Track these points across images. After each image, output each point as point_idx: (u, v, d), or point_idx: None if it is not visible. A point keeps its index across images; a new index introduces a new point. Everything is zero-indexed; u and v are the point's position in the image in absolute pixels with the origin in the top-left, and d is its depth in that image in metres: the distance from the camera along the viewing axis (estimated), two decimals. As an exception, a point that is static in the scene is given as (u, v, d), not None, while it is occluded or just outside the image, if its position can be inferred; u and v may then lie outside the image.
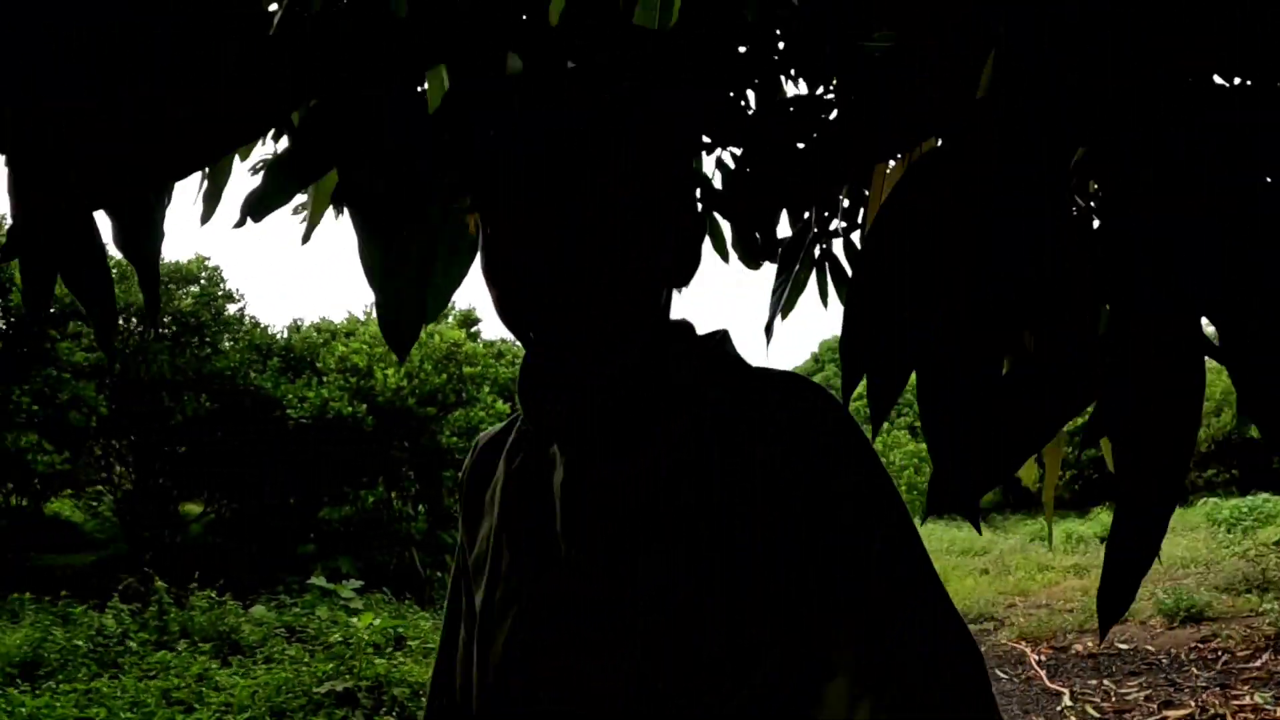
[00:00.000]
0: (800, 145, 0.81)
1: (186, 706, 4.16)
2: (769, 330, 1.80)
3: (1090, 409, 0.61)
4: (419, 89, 1.08)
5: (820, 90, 1.33)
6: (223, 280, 9.97)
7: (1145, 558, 0.58)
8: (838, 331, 0.75)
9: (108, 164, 0.70)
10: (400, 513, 8.42)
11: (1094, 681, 5.16)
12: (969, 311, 0.60)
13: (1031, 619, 6.72)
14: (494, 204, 0.74)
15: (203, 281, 9.77)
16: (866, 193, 1.58)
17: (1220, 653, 5.43)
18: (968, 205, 0.62)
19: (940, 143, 0.73)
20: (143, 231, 0.91)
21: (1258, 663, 5.17)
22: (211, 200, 1.30)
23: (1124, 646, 5.77)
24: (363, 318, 10.23)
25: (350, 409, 8.29)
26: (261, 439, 8.67)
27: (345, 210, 0.98)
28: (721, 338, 0.82)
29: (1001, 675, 5.44)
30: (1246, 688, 4.75)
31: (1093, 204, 1.15)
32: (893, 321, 0.67)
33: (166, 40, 0.71)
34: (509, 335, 1.36)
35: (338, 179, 0.96)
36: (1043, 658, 5.79)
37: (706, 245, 0.90)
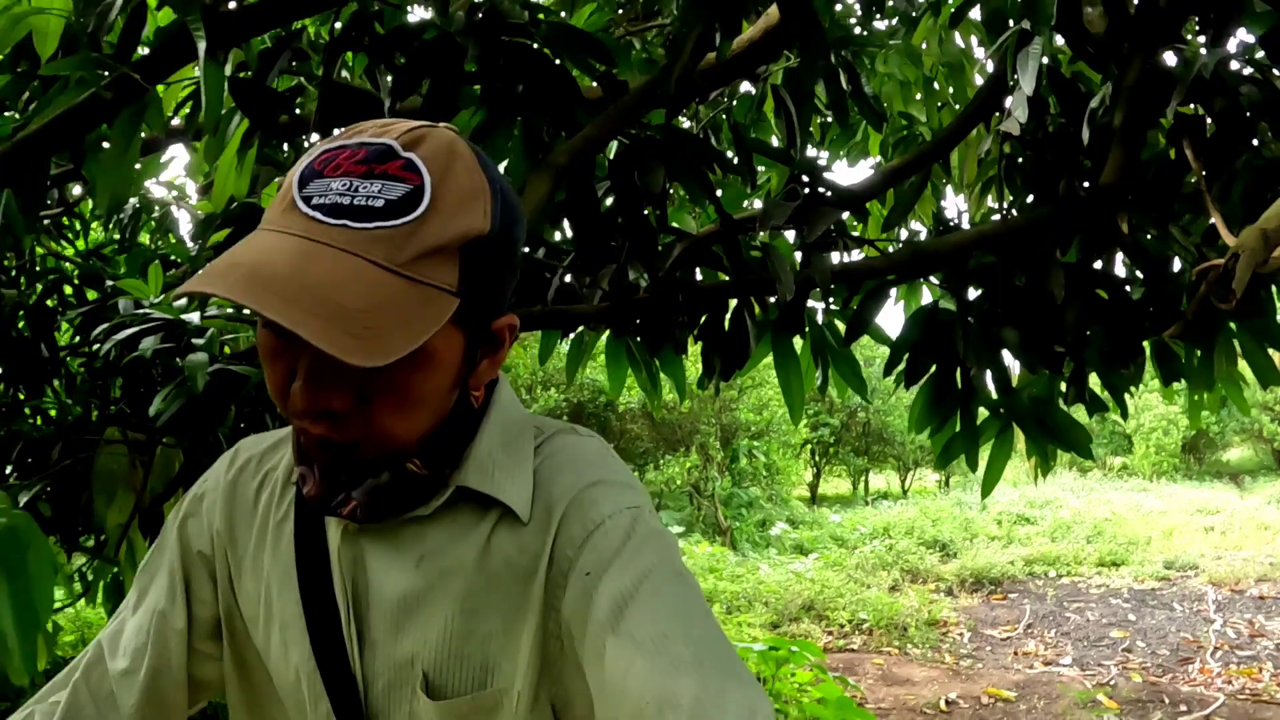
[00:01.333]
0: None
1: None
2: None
3: None
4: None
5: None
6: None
7: None
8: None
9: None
10: (707, 475, 11.03)
11: (1249, 616, 6.73)
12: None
13: (1226, 567, 8.17)
14: None
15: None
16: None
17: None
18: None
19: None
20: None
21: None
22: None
23: (1294, 594, 7.21)
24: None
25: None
26: (602, 428, 11.64)
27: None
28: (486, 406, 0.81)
29: (1177, 607, 7.10)
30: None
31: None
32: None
33: None
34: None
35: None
36: (1220, 596, 7.35)
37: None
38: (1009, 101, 2.16)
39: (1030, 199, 2.30)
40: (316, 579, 0.81)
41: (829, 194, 2.16)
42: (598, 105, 1.90)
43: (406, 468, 0.75)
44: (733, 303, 2.21)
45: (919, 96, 3.01)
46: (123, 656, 0.85)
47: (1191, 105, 2.00)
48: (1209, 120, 1.96)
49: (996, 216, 2.66)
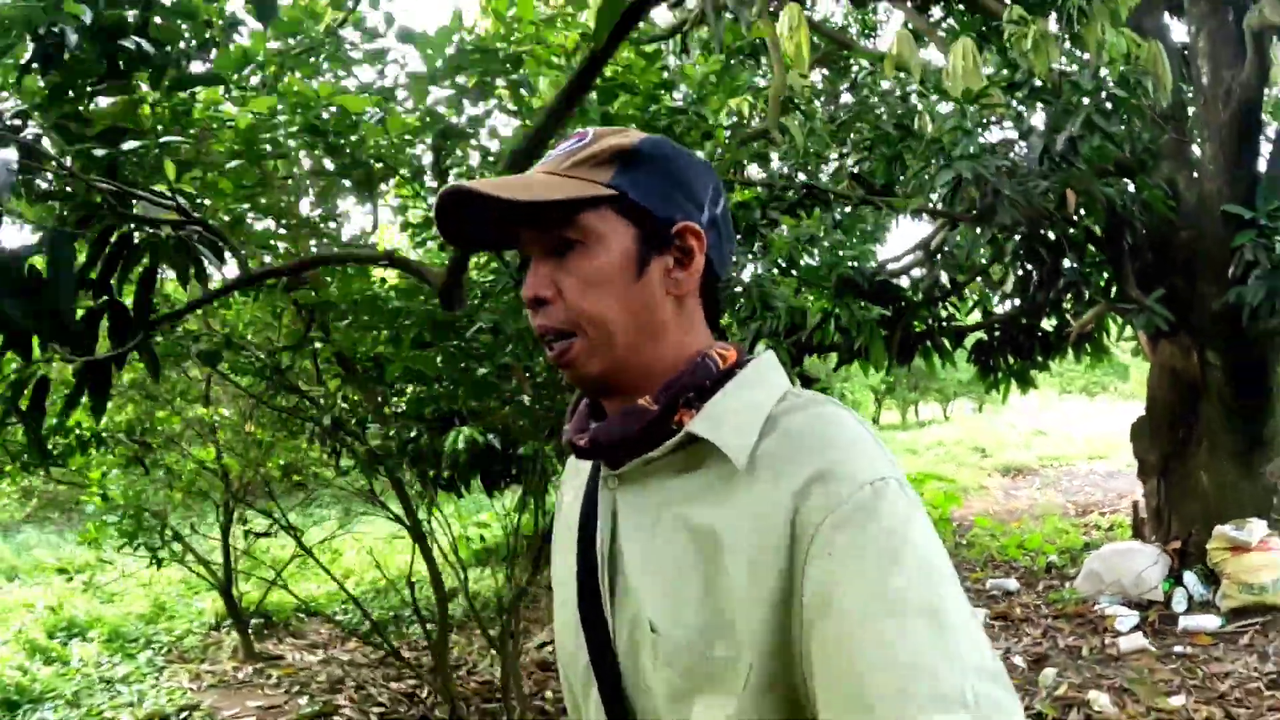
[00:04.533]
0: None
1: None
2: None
3: None
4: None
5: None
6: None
7: None
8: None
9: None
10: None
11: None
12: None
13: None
14: None
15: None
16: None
17: None
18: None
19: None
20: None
21: None
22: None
23: None
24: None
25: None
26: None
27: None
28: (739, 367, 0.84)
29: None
30: None
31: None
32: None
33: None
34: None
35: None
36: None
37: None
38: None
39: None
40: (588, 531, 0.88)
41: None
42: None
43: (637, 404, 0.81)
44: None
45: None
46: None
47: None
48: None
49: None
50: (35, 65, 1.63)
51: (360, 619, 5.86)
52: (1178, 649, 4.22)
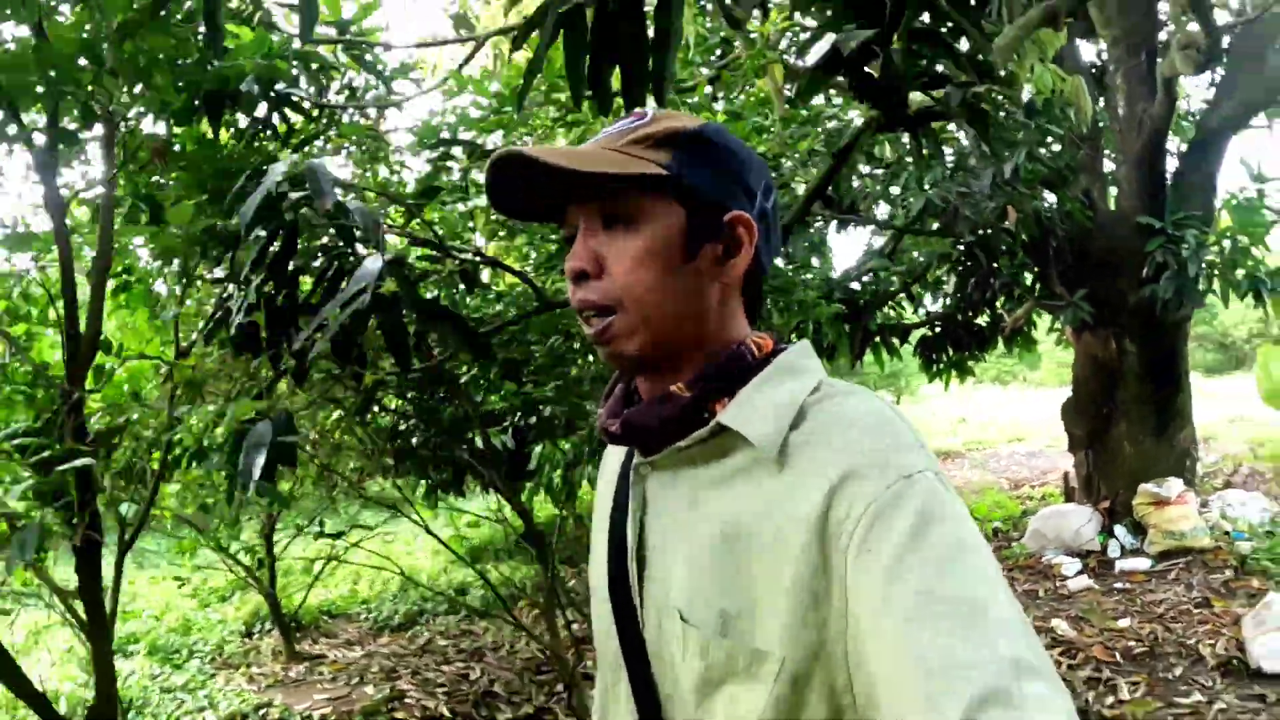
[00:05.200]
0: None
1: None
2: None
3: None
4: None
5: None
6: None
7: None
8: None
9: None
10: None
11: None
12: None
13: (1083, 435, 13.44)
14: None
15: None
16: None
17: None
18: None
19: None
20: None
21: None
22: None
23: None
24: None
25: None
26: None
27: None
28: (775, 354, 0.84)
29: (1055, 456, 12.28)
30: None
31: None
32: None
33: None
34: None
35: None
36: (1075, 450, 12.56)
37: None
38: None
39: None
40: (618, 517, 0.90)
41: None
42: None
43: (670, 389, 0.82)
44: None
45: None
46: None
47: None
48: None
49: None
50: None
51: (388, 615, 6.34)
52: (1118, 585, 5.07)
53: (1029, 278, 6.55)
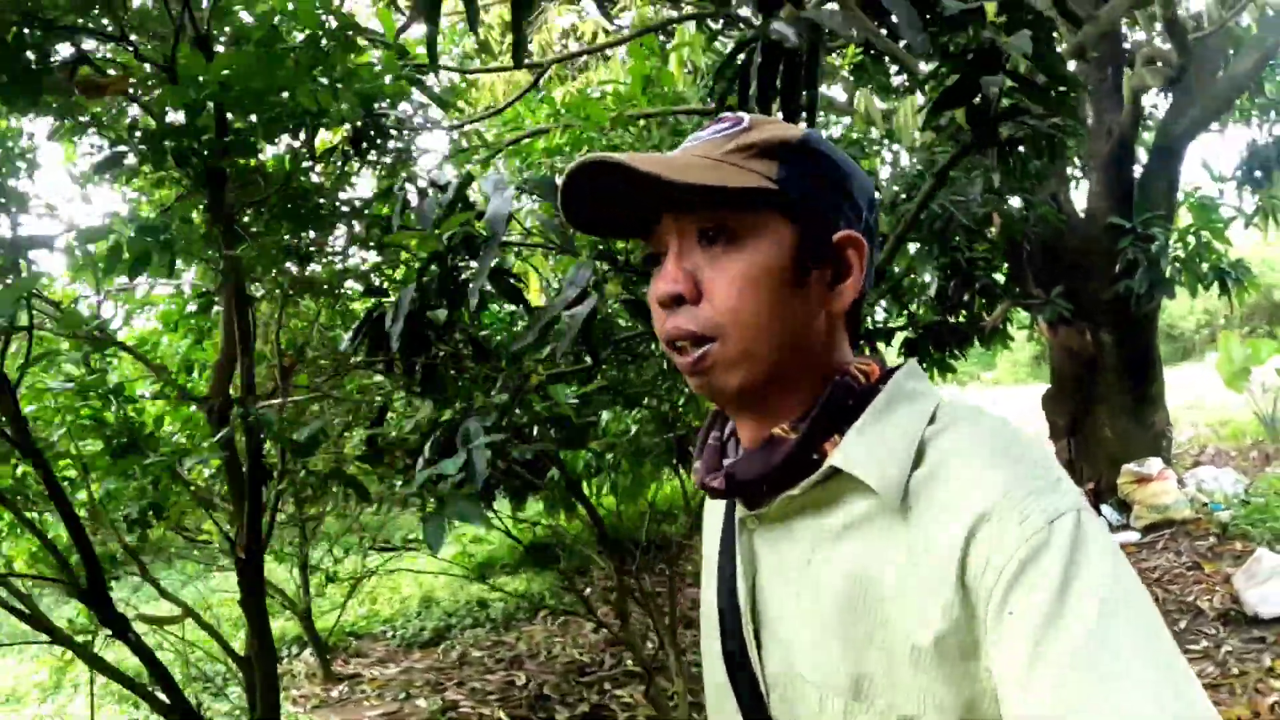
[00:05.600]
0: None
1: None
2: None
3: None
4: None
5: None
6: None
7: None
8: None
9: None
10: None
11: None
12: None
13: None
14: None
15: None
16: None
17: None
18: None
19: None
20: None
21: None
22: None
23: None
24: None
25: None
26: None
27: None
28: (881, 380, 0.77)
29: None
30: None
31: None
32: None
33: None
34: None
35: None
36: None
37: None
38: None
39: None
40: (726, 579, 0.82)
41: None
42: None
43: (773, 433, 0.75)
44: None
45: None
46: None
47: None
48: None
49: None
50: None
51: (415, 633, 6.51)
52: (1114, 557, 5.50)
53: (1002, 279, 7.00)
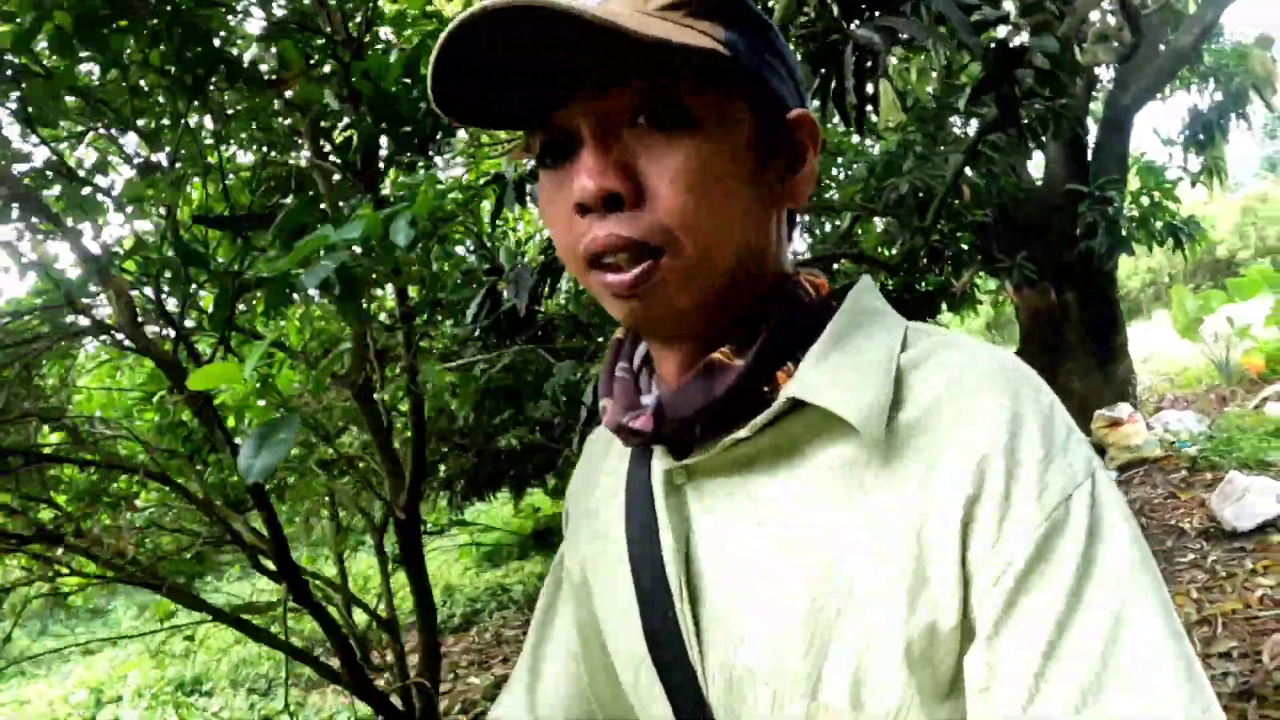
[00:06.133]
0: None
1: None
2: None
3: None
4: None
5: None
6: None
7: None
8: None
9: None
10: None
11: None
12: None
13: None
14: None
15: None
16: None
17: None
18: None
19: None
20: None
21: None
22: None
23: None
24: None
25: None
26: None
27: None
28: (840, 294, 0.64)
29: None
30: None
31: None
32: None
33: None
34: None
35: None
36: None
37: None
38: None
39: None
40: (647, 549, 0.65)
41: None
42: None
43: (712, 358, 0.60)
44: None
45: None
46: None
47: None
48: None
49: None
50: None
51: (444, 619, 6.78)
52: (1095, 495, 6.00)
53: (966, 247, 7.49)
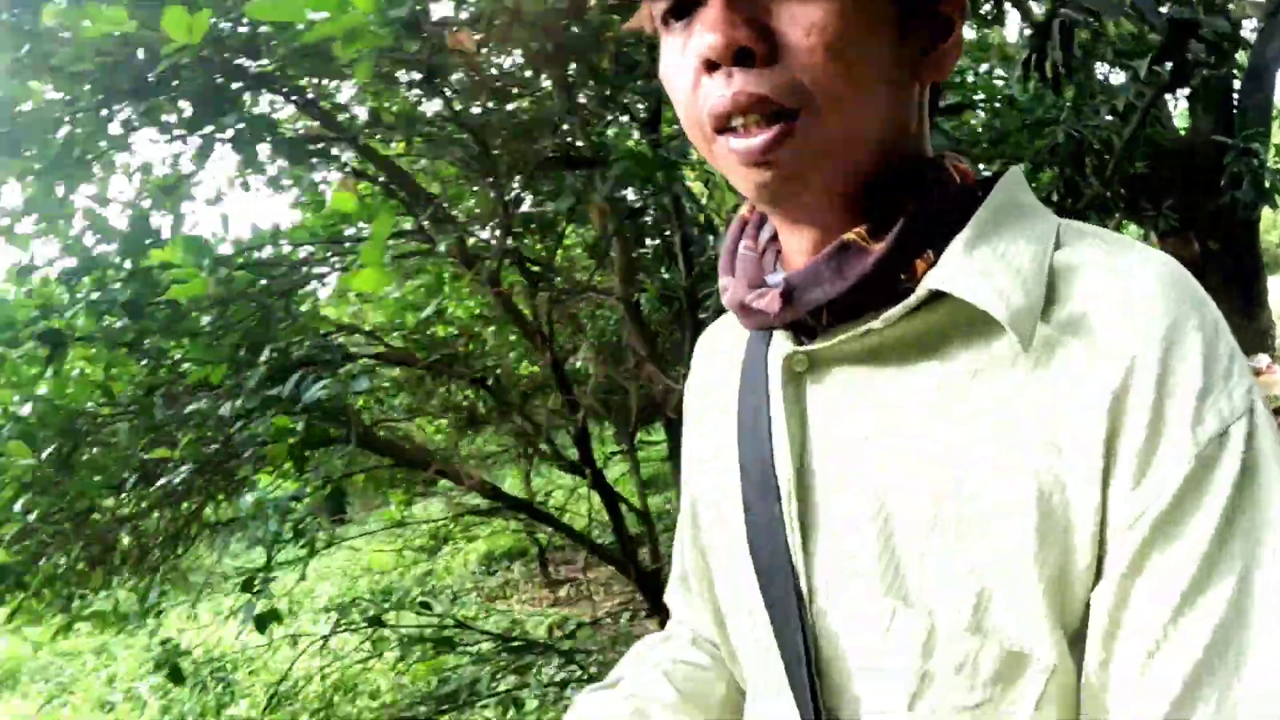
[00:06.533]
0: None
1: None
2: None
3: None
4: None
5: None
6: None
7: None
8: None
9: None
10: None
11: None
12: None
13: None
14: None
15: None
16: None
17: None
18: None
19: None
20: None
21: None
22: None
23: None
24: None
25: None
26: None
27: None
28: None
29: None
30: None
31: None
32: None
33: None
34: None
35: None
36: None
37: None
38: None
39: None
40: (757, 438, 0.62)
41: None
42: None
43: (846, 238, 0.56)
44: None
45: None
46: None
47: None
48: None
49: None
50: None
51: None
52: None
53: (1110, 195, 7.74)
